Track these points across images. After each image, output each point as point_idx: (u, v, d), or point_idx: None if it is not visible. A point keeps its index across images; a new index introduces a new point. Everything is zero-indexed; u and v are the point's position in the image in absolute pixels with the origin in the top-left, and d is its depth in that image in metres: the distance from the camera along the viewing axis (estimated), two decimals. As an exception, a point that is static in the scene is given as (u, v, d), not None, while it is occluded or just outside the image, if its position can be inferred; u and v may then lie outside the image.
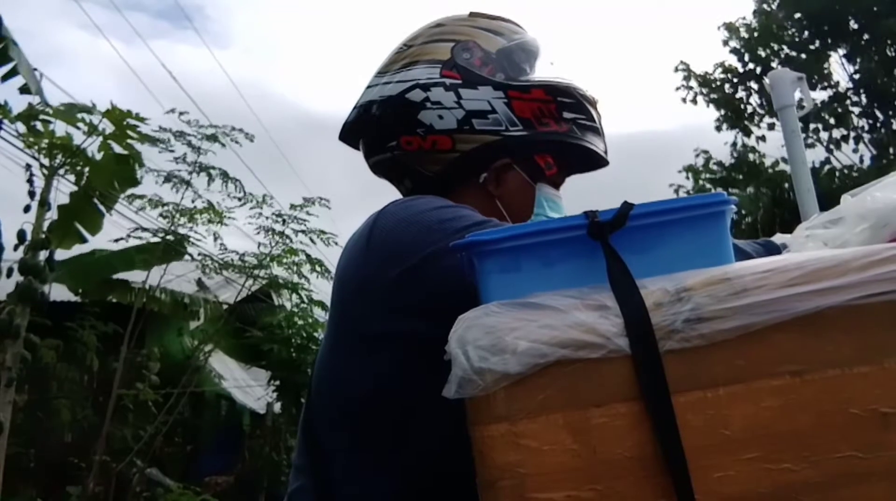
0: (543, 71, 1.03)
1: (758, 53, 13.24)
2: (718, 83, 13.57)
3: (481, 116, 0.98)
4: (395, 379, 0.86)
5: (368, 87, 1.05)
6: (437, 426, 0.82)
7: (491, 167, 1.01)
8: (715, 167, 13.46)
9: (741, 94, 13.51)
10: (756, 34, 13.17)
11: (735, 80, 13.49)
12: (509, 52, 1.02)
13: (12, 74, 3.98)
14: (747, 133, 13.54)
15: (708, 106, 13.63)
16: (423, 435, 0.85)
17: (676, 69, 13.71)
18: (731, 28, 13.49)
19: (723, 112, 13.53)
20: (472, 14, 1.07)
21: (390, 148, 1.02)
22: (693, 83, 13.60)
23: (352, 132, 1.08)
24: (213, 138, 5.45)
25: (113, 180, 4.88)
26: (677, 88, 13.70)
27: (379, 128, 1.03)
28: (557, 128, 1.01)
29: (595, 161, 1.08)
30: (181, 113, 5.41)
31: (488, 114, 0.98)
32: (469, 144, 0.98)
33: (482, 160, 1.00)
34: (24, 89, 4.03)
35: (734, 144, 13.56)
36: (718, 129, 13.60)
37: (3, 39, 3.87)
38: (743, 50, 13.38)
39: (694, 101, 13.64)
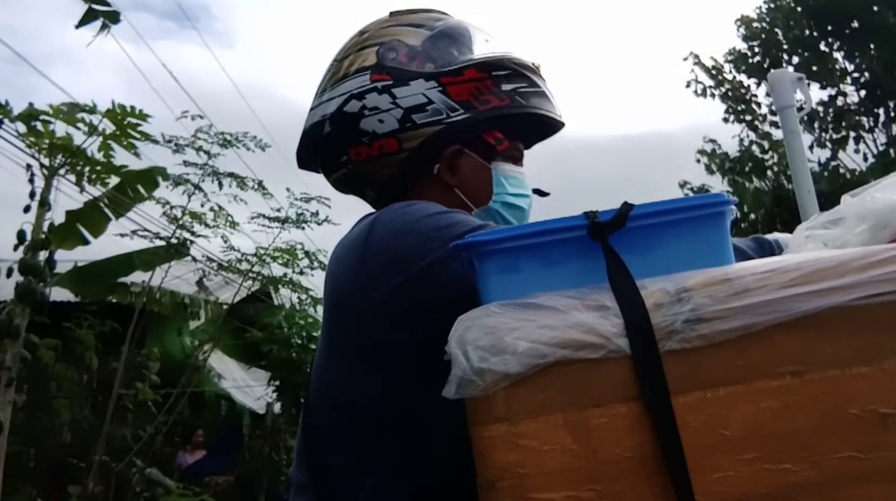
0: (480, 49, 1.02)
1: (769, 47, 13.29)
2: (727, 71, 13.60)
3: (420, 110, 0.97)
4: (401, 389, 0.85)
5: (311, 109, 1.05)
6: (447, 433, 0.81)
7: (442, 157, 1.00)
8: (723, 156, 13.47)
9: (749, 83, 13.55)
10: (767, 28, 13.22)
11: (744, 69, 13.51)
12: (434, 41, 1.00)
13: None
14: (753, 128, 13.58)
15: (714, 98, 13.67)
16: (433, 443, 0.84)
17: (685, 59, 13.73)
18: (746, 21, 13.53)
19: (729, 104, 13.55)
20: (391, 14, 1.06)
21: (343, 163, 1.02)
22: (702, 75, 13.61)
23: (306, 158, 1.08)
24: (227, 144, 5.45)
25: (130, 192, 4.93)
26: (688, 84, 13.69)
27: (327, 147, 1.03)
28: (499, 102, 0.99)
29: (548, 125, 1.07)
30: (194, 117, 5.42)
31: (426, 106, 0.97)
32: (415, 141, 0.97)
33: (432, 152, 0.99)
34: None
35: (741, 139, 13.62)
36: (726, 121, 13.65)
37: None
38: (755, 43, 13.42)
39: (703, 93, 13.67)
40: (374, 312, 0.86)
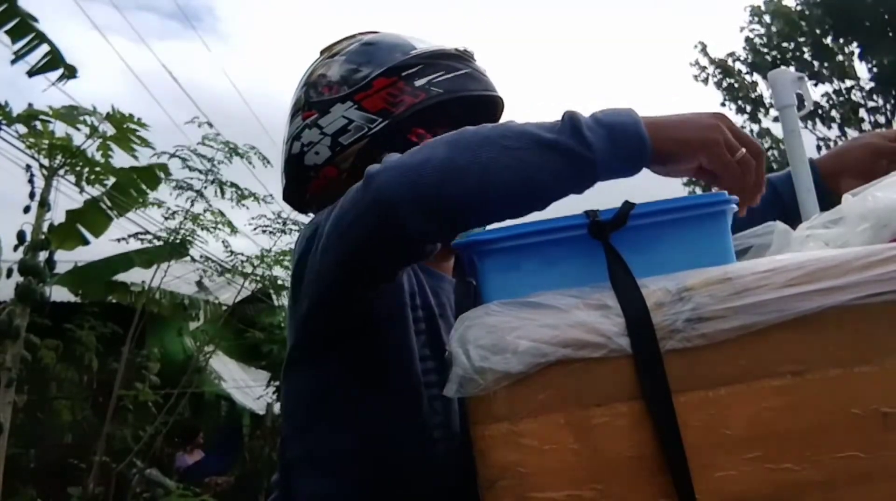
0: (403, 54, 1.02)
1: (779, 43, 13.39)
2: (731, 65, 13.73)
3: (343, 131, 1.00)
4: (316, 388, 0.91)
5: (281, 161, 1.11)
6: (363, 429, 0.88)
7: None
8: None
9: (753, 79, 13.65)
10: (777, 25, 13.31)
11: (752, 62, 13.62)
12: (347, 65, 1.03)
13: (36, 42, 3.88)
14: (755, 120, 13.66)
15: (718, 88, 13.80)
16: (350, 439, 0.89)
17: (694, 46, 13.97)
18: (755, 13, 13.65)
19: (732, 102, 13.67)
20: (321, 52, 1.10)
21: (309, 201, 1.08)
22: (707, 64, 13.75)
23: (292, 203, 1.14)
24: (232, 153, 5.44)
25: (132, 191, 4.91)
26: (695, 77, 13.83)
27: (295, 190, 1.08)
28: (413, 100, 1.00)
29: (484, 103, 1.06)
30: (201, 124, 5.40)
31: (348, 126, 1.00)
32: (348, 161, 1.01)
33: (366, 166, 1.01)
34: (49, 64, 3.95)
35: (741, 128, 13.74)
36: (723, 104, 13.76)
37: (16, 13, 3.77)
38: (762, 39, 13.53)
39: (705, 81, 13.82)
40: (289, 321, 0.95)
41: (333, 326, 0.87)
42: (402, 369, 0.89)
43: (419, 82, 1.00)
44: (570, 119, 0.70)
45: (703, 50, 13.88)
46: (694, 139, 0.71)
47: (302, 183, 1.05)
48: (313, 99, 1.03)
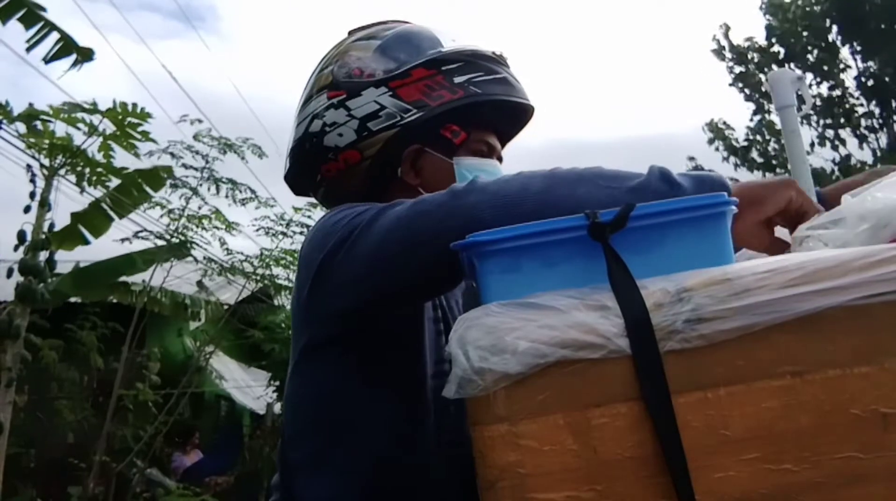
0: (437, 49, 1.01)
1: (790, 40, 13.51)
2: (747, 55, 13.89)
3: (374, 117, 0.98)
4: (333, 390, 0.89)
5: (290, 139, 1.07)
6: (386, 434, 0.86)
7: (403, 159, 1.00)
8: (732, 140, 13.73)
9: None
10: (789, 20, 13.44)
11: (758, 60, 13.74)
12: (383, 50, 1.01)
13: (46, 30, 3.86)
14: (761, 112, 13.75)
15: (731, 73, 13.94)
16: (373, 444, 0.87)
17: (720, 27, 14.24)
18: (773, 5, 13.76)
19: (741, 91, 13.80)
20: (350, 32, 1.07)
21: (319, 182, 1.04)
22: (726, 47, 13.91)
23: (294, 184, 1.10)
24: (226, 148, 5.43)
25: (134, 192, 4.91)
26: (713, 41, 14.01)
27: (303, 170, 1.05)
28: (451, 96, 0.98)
29: (517, 110, 1.05)
30: (193, 121, 5.41)
31: (379, 112, 0.97)
32: (374, 148, 0.98)
33: (393, 157, 0.99)
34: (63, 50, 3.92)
35: (751, 117, 13.87)
36: (731, 85, 13.92)
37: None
38: (776, 32, 13.65)
39: (722, 58, 14.11)
40: (299, 317, 0.93)
41: (362, 328, 0.85)
42: (413, 373, 0.88)
43: (458, 79, 0.99)
44: (659, 168, 0.75)
45: (726, 33, 14.03)
46: (776, 181, 0.79)
47: (315, 163, 1.02)
48: (342, 79, 1.00)
